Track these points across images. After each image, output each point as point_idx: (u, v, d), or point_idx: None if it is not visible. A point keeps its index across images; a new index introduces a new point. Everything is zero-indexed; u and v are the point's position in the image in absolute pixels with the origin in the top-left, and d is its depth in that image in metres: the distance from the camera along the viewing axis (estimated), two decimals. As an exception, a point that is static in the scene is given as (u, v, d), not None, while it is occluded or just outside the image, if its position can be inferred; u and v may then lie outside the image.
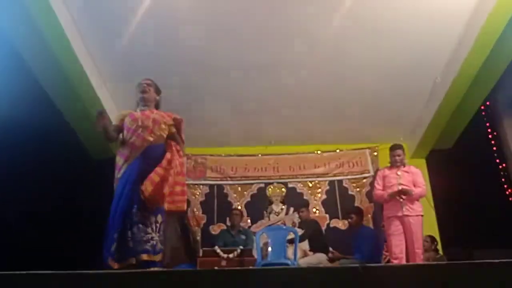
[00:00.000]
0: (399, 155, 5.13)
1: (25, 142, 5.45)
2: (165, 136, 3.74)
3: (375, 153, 7.52)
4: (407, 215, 4.84)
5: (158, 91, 3.92)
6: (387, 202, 5.05)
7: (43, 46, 4.73)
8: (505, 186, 7.56)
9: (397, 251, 4.83)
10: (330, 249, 6.06)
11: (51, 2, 4.49)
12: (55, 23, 4.65)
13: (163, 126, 3.73)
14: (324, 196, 7.38)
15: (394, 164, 5.15)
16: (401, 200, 4.87)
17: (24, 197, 5.58)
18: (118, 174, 3.54)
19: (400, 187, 4.90)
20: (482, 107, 7.45)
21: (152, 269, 3.30)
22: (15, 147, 5.30)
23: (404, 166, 5.14)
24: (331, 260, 5.85)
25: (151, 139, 3.63)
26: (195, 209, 7.25)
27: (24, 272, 2.53)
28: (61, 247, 5.73)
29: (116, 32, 5.28)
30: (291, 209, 7.24)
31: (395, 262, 4.77)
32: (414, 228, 4.81)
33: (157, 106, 3.90)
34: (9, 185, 5.32)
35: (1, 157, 5.04)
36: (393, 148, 5.23)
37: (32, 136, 5.52)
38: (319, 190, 7.43)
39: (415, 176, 5.06)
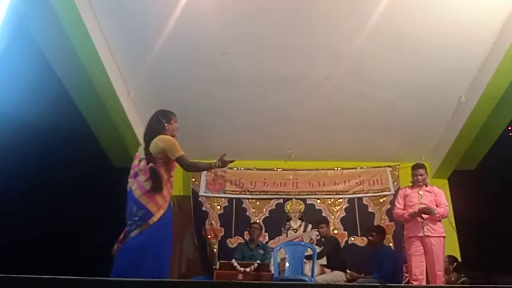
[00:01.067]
0: (421, 175, 5.05)
1: (50, 147, 5.58)
2: None
3: (396, 172, 7.42)
4: (428, 236, 4.75)
5: None
6: (407, 221, 4.97)
7: (72, 57, 4.82)
8: (531, 210, 7.35)
9: (418, 272, 4.73)
10: (348, 270, 5.94)
11: (83, 18, 4.59)
12: (85, 36, 4.74)
13: None
14: (343, 214, 7.30)
15: (416, 184, 5.07)
16: (422, 219, 4.78)
17: (44, 199, 5.69)
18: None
19: (421, 207, 4.82)
20: (509, 128, 7.30)
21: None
22: (41, 151, 5.43)
23: (426, 186, 5.06)
24: (349, 279, 5.75)
25: None
26: (213, 222, 7.25)
27: (42, 276, 2.56)
28: (76, 251, 5.81)
29: (142, 46, 5.37)
30: (309, 226, 7.19)
31: (415, 283, 4.68)
32: (435, 249, 4.71)
33: None
34: (31, 186, 5.44)
35: (28, 161, 5.16)
36: (415, 167, 5.15)
37: (57, 142, 5.64)
38: (338, 207, 7.35)
39: (437, 196, 4.96)
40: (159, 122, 3.69)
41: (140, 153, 3.62)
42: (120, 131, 6.21)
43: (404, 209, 5.03)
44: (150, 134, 3.64)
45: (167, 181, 3.55)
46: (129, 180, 3.54)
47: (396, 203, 5.18)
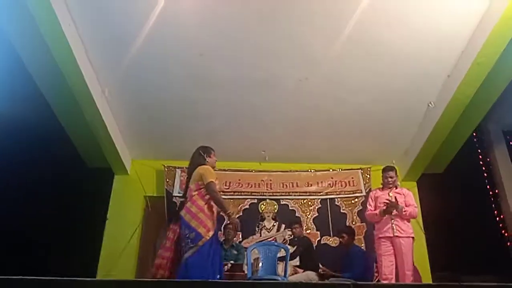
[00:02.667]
0: (391, 177, 5.19)
1: (21, 146, 5.48)
2: None
3: (367, 174, 7.58)
4: (397, 236, 4.88)
5: None
6: (378, 221, 5.09)
7: (46, 53, 4.71)
8: (495, 212, 7.64)
9: (387, 271, 4.85)
10: (320, 265, 6.05)
11: (58, 15, 4.50)
12: (59, 32, 4.63)
13: None
14: (316, 214, 7.40)
15: (386, 186, 5.21)
16: (391, 219, 4.91)
17: (18, 200, 5.59)
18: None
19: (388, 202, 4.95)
20: (474, 134, 7.57)
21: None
22: (11, 150, 5.32)
23: (396, 188, 5.21)
24: (321, 277, 5.85)
25: None
26: (187, 222, 7.22)
27: (13, 277, 2.54)
28: (51, 251, 5.72)
29: (118, 44, 5.32)
30: (283, 226, 7.26)
31: (385, 282, 4.79)
32: (405, 249, 4.84)
33: None
34: (3, 187, 5.34)
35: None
36: (386, 169, 5.29)
37: (28, 140, 5.54)
38: (311, 207, 7.45)
39: (406, 197, 5.10)
40: (201, 157, 4.41)
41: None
42: (94, 131, 6.12)
43: (375, 210, 5.16)
44: (193, 167, 4.33)
45: (210, 205, 4.13)
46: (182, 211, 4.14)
47: (368, 205, 5.30)
